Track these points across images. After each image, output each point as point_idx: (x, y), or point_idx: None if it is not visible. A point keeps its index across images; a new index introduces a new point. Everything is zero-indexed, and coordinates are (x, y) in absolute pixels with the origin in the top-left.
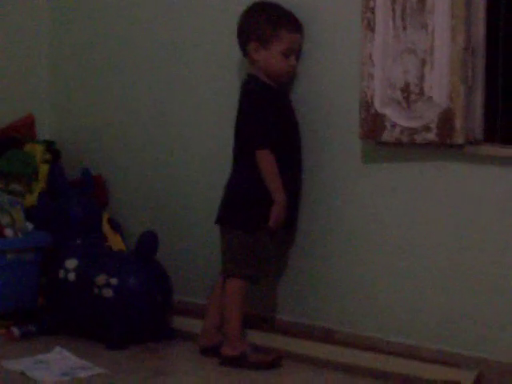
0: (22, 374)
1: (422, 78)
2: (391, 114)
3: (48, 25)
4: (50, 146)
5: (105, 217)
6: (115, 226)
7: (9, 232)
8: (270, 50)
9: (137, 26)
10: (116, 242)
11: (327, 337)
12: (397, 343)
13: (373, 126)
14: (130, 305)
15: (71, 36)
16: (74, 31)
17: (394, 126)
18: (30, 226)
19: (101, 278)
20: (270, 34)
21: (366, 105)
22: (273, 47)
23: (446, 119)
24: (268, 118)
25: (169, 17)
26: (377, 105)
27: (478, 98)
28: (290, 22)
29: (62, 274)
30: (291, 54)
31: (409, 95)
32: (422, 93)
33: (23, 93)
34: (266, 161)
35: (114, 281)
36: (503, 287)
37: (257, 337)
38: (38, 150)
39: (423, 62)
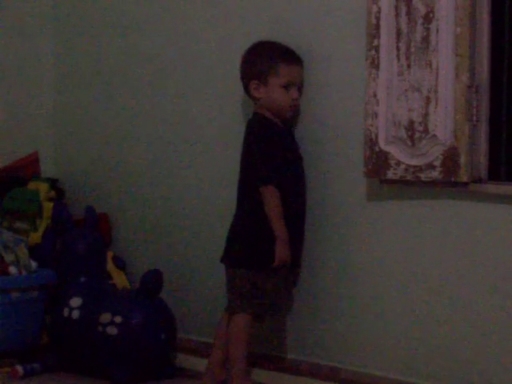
0: None
1: (426, 115)
2: (395, 151)
3: (52, 63)
4: (53, 183)
5: (109, 255)
6: (119, 264)
7: (13, 270)
8: (269, 84)
9: (141, 65)
10: (120, 280)
11: (333, 375)
12: (401, 381)
13: (377, 163)
14: (134, 343)
15: (75, 74)
16: (77, 70)
17: (398, 163)
18: (34, 263)
19: (105, 316)
20: (267, 69)
21: (371, 143)
22: (271, 82)
23: (450, 157)
24: (272, 154)
25: (174, 56)
26: (381, 143)
27: (483, 135)
28: (286, 55)
29: (66, 312)
30: (292, 87)
31: (413, 133)
32: (426, 131)
33: (27, 131)
34: (271, 197)
35: (118, 319)
36: (509, 327)
37: (264, 376)
38: (42, 188)
39: (427, 100)
